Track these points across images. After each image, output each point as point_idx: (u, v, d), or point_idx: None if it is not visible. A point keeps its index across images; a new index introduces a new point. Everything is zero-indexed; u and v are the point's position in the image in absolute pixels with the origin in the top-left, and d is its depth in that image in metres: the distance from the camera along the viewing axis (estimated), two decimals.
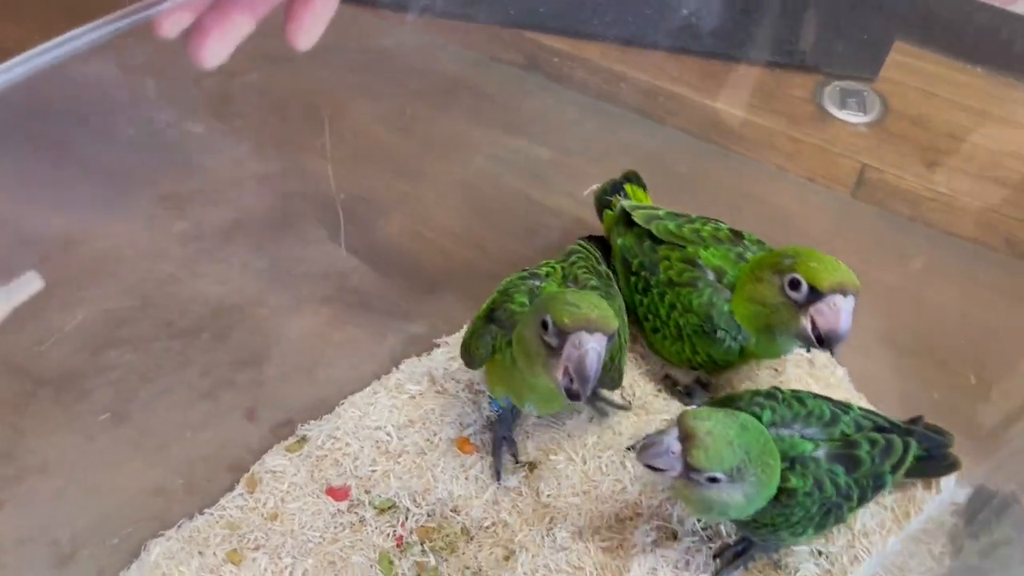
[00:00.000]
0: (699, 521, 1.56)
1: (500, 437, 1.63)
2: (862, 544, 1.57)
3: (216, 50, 0.86)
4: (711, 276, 1.55)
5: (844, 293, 1.34)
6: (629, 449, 1.65)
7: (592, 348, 1.25)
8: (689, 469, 1.22)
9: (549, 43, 2.19)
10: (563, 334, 1.26)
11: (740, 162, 2.06)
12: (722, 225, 1.63)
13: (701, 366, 1.61)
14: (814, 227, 1.99)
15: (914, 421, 1.52)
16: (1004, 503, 1.51)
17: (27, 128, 1.52)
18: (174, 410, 1.65)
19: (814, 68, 2.17)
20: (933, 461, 1.53)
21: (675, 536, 1.56)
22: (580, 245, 1.67)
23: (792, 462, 1.33)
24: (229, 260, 1.80)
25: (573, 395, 1.28)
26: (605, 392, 1.68)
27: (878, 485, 1.41)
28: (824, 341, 1.37)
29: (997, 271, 1.90)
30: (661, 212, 1.66)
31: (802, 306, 1.38)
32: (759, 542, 1.49)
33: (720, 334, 1.53)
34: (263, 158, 1.87)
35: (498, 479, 1.61)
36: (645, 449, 1.25)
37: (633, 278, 1.65)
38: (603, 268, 1.62)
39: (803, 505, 1.33)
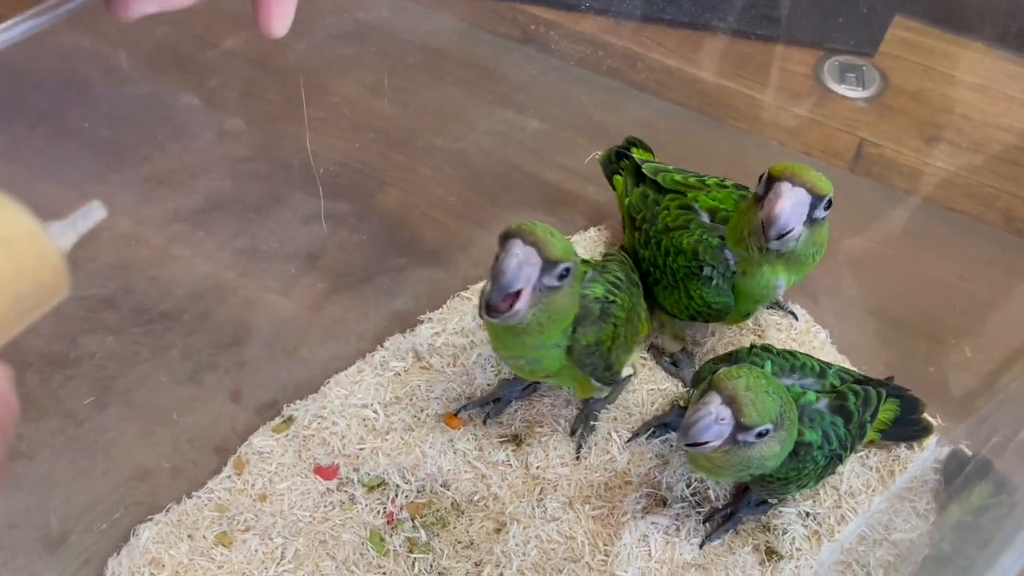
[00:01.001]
0: (688, 487, 1.58)
1: (505, 397, 1.65)
2: (848, 504, 1.58)
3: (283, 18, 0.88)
4: (705, 217, 1.55)
5: (792, 183, 1.34)
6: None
7: (510, 252, 1.21)
8: (740, 430, 1.22)
9: (542, 15, 2.17)
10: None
11: (737, 135, 2.04)
12: (729, 181, 1.62)
13: (699, 314, 1.58)
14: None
15: (883, 383, 1.54)
16: (981, 466, 1.54)
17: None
18: (158, 393, 1.63)
19: (813, 43, 2.15)
20: (907, 425, 1.59)
21: (665, 503, 1.57)
22: (620, 255, 1.63)
23: (802, 412, 1.35)
24: (209, 240, 1.78)
25: (488, 311, 1.23)
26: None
27: (861, 435, 1.45)
28: (765, 227, 1.36)
29: (991, 245, 1.89)
30: (670, 167, 1.67)
31: (761, 199, 1.39)
32: (767, 499, 1.51)
33: (707, 270, 1.51)
34: (245, 134, 1.85)
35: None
36: (690, 428, 1.23)
37: (636, 233, 1.65)
38: (634, 276, 1.59)
39: (815, 459, 1.36)
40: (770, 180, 1.36)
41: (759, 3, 2.16)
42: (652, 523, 1.54)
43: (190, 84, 1.79)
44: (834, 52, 2.14)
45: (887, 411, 1.54)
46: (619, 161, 1.76)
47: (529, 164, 2.00)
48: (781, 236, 1.35)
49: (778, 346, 1.49)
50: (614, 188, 1.78)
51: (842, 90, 2.08)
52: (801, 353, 1.47)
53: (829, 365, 1.46)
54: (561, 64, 2.14)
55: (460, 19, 2.13)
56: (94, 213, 0.64)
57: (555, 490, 1.58)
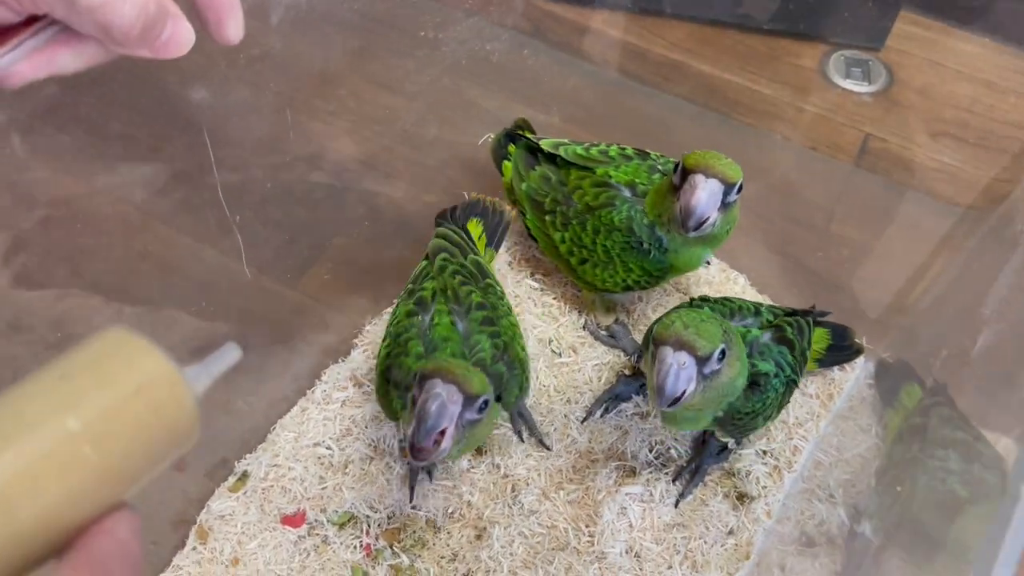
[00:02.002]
0: (651, 451, 1.63)
1: (415, 467, 1.60)
2: (799, 434, 1.66)
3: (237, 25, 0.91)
4: (626, 192, 1.58)
5: (706, 175, 1.40)
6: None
7: (431, 393, 1.22)
8: (702, 364, 1.25)
9: (554, 10, 2.20)
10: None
11: (742, 130, 2.06)
12: (627, 147, 1.66)
13: (637, 284, 1.61)
14: (816, 195, 2.00)
15: (808, 312, 1.61)
16: (903, 368, 1.66)
17: None
18: None
19: (819, 37, 2.16)
20: (840, 351, 1.71)
21: (634, 472, 1.60)
22: (443, 239, 1.62)
23: (751, 348, 1.42)
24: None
25: (415, 453, 1.23)
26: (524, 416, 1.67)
27: (804, 361, 1.52)
28: (683, 218, 1.42)
29: (992, 240, 1.84)
30: (566, 140, 1.69)
31: (677, 189, 1.44)
32: (734, 439, 1.56)
33: (645, 245, 1.54)
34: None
35: (411, 499, 1.57)
36: (662, 388, 1.24)
37: (548, 217, 1.66)
38: (470, 259, 1.59)
39: (774, 387, 1.41)
40: (684, 172, 1.42)
41: None
42: (627, 494, 1.56)
43: None
44: (840, 47, 2.14)
45: (820, 340, 1.64)
46: (507, 146, 1.77)
47: None
48: (699, 226, 1.41)
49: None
50: (502, 174, 1.78)
51: (848, 85, 2.08)
52: (735, 298, 1.53)
53: (760, 304, 1.53)
54: (569, 57, 2.17)
55: (468, 12, 2.14)
56: (229, 355, 0.67)
57: (527, 484, 1.58)
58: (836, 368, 1.73)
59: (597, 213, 1.57)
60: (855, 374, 1.73)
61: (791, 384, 1.46)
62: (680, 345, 1.23)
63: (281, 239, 1.84)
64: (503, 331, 1.47)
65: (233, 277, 1.73)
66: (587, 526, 1.53)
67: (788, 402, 1.51)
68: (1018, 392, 1.34)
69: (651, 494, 1.56)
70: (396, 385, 1.41)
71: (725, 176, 1.39)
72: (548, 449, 1.61)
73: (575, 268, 1.65)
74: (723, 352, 1.25)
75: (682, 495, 1.56)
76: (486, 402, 1.26)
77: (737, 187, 1.41)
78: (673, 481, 1.58)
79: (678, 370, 1.22)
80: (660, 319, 1.35)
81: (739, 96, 2.07)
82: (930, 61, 2.10)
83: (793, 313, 1.54)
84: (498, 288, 1.56)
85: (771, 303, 1.76)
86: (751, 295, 1.84)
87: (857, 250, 1.87)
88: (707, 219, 1.40)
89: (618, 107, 2.12)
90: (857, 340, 1.72)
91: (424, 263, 1.58)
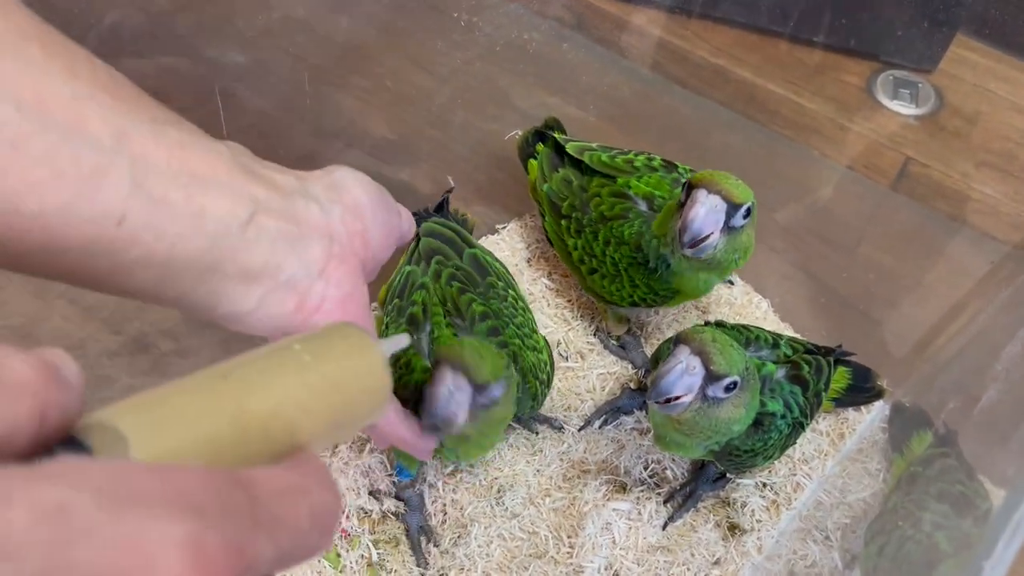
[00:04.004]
0: (646, 469, 1.59)
1: (416, 527, 1.54)
2: (803, 471, 1.61)
3: None
4: (642, 206, 1.53)
5: (708, 190, 1.33)
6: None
7: (441, 384, 1.21)
8: (711, 380, 1.21)
9: (598, 4, 2.16)
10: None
11: (778, 142, 2.00)
12: (655, 156, 1.60)
13: (643, 301, 1.57)
14: (848, 215, 1.94)
15: (831, 350, 1.54)
16: (918, 415, 1.59)
17: None
18: None
19: (869, 54, 2.09)
20: (860, 392, 1.63)
21: (624, 488, 1.57)
22: (433, 238, 1.55)
23: (763, 384, 1.36)
24: None
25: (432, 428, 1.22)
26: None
27: (818, 403, 1.46)
28: (680, 233, 1.35)
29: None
30: (594, 144, 1.64)
31: (682, 206, 1.38)
32: (729, 473, 1.52)
33: (651, 263, 1.49)
34: None
35: (424, 566, 1.51)
36: (661, 380, 1.22)
37: (564, 221, 1.62)
38: (466, 256, 1.53)
39: (778, 428, 1.36)
40: (689, 188, 1.35)
41: (818, 9, 2.10)
42: (614, 510, 1.53)
43: None
44: (890, 66, 2.08)
45: (840, 380, 1.57)
46: (536, 144, 1.74)
47: None
48: (696, 243, 1.34)
49: (722, 318, 1.55)
50: (527, 172, 1.74)
51: (894, 106, 2.02)
52: (753, 326, 1.48)
53: (780, 336, 1.48)
54: (611, 54, 2.13)
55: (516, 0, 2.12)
56: (401, 342, 0.75)
57: (513, 487, 1.56)
58: (851, 408, 1.68)
59: (609, 224, 1.54)
60: (870, 416, 1.68)
61: (798, 427, 1.41)
62: (699, 352, 1.20)
63: None
64: (509, 340, 1.42)
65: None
66: (569, 537, 1.50)
67: (793, 443, 1.47)
68: (1007, 454, 1.33)
69: (639, 513, 1.53)
70: (407, 403, 1.33)
71: (729, 195, 1.32)
72: (559, 430, 1.61)
73: (585, 277, 1.62)
74: (734, 384, 1.21)
75: (671, 518, 1.53)
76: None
77: (744, 210, 1.33)
78: (664, 503, 1.55)
79: (684, 372, 1.20)
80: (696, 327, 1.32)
81: (780, 107, 2.02)
82: (982, 89, 2.03)
83: (814, 350, 1.49)
84: (500, 284, 1.50)
85: (792, 334, 1.73)
86: (772, 322, 1.79)
87: (885, 275, 1.82)
88: (705, 237, 1.32)
89: (654, 107, 2.07)
90: (879, 383, 1.65)
91: (409, 268, 1.49)
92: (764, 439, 1.35)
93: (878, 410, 1.68)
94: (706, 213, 1.31)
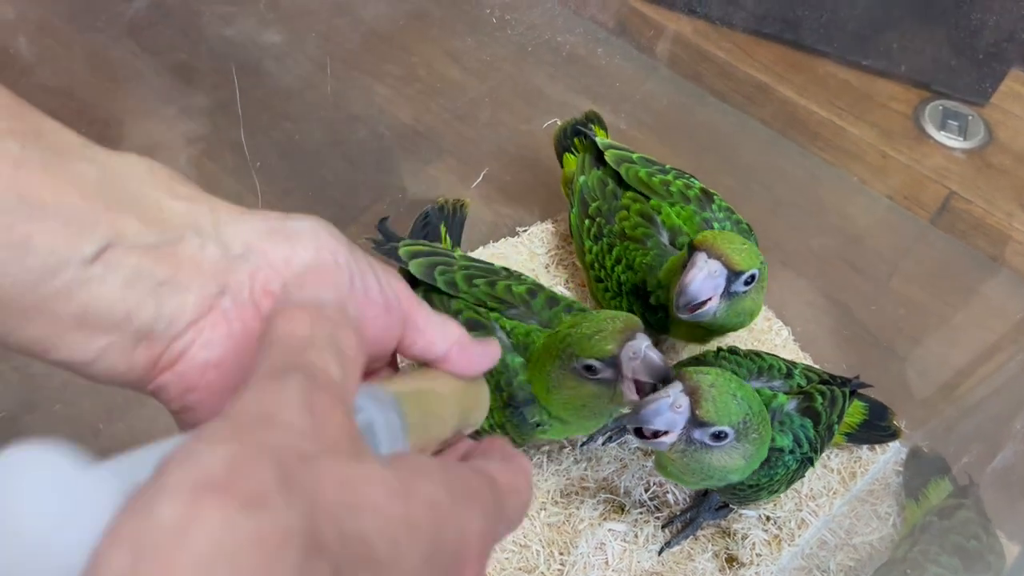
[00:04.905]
0: (647, 491, 1.54)
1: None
2: (809, 507, 1.56)
3: None
4: (664, 237, 1.49)
5: (708, 254, 1.29)
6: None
7: (645, 348, 1.18)
8: (696, 425, 1.16)
9: (643, 9, 2.11)
10: (615, 360, 1.19)
11: (817, 165, 1.95)
12: (695, 182, 1.55)
13: None
14: (882, 246, 1.89)
15: (847, 381, 1.48)
16: (937, 462, 1.55)
17: None
18: None
19: (919, 82, 2.04)
20: (874, 430, 1.58)
21: (623, 509, 1.52)
22: (422, 257, 1.43)
23: (772, 417, 1.30)
24: None
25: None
26: None
27: (830, 437, 1.40)
28: (675, 296, 1.31)
29: None
30: (634, 156, 1.59)
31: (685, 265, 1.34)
32: (732, 504, 1.48)
33: (652, 300, 1.46)
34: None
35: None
36: (642, 409, 1.16)
37: (587, 221, 1.58)
38: (458, 257, 1.45)
39: (786, 464, 1.31)
40: (691, 249, 1.31)
41: (870, 32, 2.06)
42: (610, 530, 1.50)
43: None
44: (940, 96, 2.03)
45: (855, 415, 1.53)
46: (574, 138, 1.68)
47: None
48: (693, 309, 1.30)
49: (739, 344, 1.48)
50: (562, 166, 1.70)
51: (941, 137, 1.97)
52: (767, 354, 1.42)
53: (794, 364, 1.42)
54: (651, 61, 2.09)
55: (562, 2, 2.08)
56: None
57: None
58: (866, 446, 1.62)
59: (626, 244, 1.49)
60: (885, 456, 1.62)
61: (806, 462, 1.35)
62: (691, 392, 1.15)
63: (315, 194, 1.79)
64: (571, 302, 1.37)
65: None
66: (561, 553, 1.47)
67: (801, 478, 1.41)
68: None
69: (636, 535, 1.49)
70: (516, 405, 1.33)
71: (730, 261, 1.27)
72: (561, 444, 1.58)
73: (590, 282, 1.59)
74: (723, 434, 1.15)
75: (668, 544, 1.48)
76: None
77: (747, 277, 1.29)
78: (663, 527, 1.50)
79: (667, 407, 1.14)
80: (698, 359, 1.33)
81: (821, 129, 1.96)
82: None
83: (830, 381, 1.42)
84: (506, 270, 1.44)
85: (809, 363, 1.67)
86: (791, 351, 1.74)
87: (916, 312, 1.76)
88: (702, 302, 1.29)
89: (690, 119, 2.02)
90: (896, 422, 1.60)
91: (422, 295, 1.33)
92: (770, 474, 1.30)
93: (893, 451, 1.62)
94: (704, 278, 1.27)
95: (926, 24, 2.06)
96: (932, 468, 1.53)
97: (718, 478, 1.22)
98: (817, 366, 1.65)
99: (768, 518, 1.53)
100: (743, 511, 1.52)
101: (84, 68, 1.78)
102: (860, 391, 1.52)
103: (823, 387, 1.38)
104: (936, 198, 1.88)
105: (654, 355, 1.16)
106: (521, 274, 1.42)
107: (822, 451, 1.39)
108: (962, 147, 1.94)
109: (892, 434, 1.60)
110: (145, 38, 1.81)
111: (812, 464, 1.38)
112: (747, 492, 1.33)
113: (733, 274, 1.27)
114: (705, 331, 1.43)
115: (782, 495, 1.53)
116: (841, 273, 1.82)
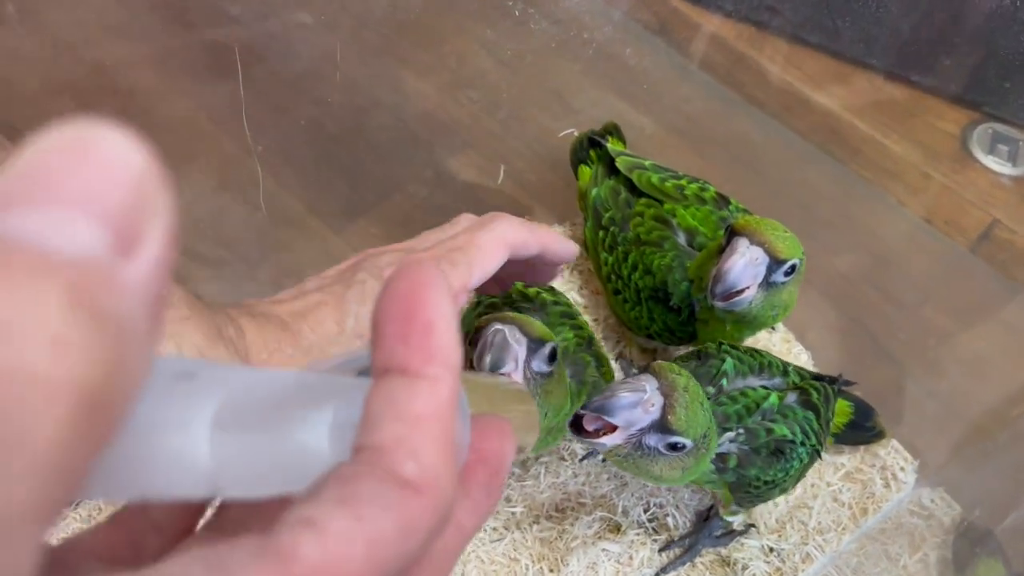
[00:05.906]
0: (646, 512, 1.51)
1: None
2: (816, 541, 1.51)
3: None
4: (682, 238, 1.46)
5: (751, 240, 1.25)
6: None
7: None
8: (658, 431, 1.10)
9: (684, 11, 2.05)
10: None
11: (852, 181, 1.88)
12: (710, 186, 1.52)
13: (659, 336, 1.50)
14: (916, 271, 1.83)
15: (834, 379, 1.46)
16: (983, 536, 1.48)
17: None
18: None
19: (970, 103, 1.95)
20: (860, 430, 1.55)
21: (619, 528, 1.49)
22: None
23: (763, 414, 1.29)
24: None
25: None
26: None
27: (827, 432, 1.39)
28: (712, 283, 1.27)
29: None
30: (647, 163, 1.56)
31: (722, 251, 1.30)
32: (743, 507, 1.41)
33: (673, 303, 1.43)
34: None
35: None
36: (609, 399, 1.08)
37: (601, 232, 1.55)
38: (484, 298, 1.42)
39: (800, 456, 1.29)
40: (731, 233, 1.27)
41: (921, 46, 1.98)
42: (603, 550, 1.46)
43: None
44: (991, 118, 1.94)
45: (841, 414, 1.50)
46: (590, 149, 1.65)
47: None
48: (729, 296, 1.26)
49: None
50: (577, 178, 1.67)
51: (988, 161, 1.88)
52: (766, 352, 1.39)
53: (788, 364, 1.39)
54: (687, 63, 2.03)
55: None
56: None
57: (500, 508, 1.50)
58: (880, 483, 1.56)
59: (642, 249, 1.46)
60: (899, 495, 1.56)
61: (815, 455, 1.33)
62: (665, 393, 1.09)
63: (332, 182, 1.77)
64: (584, 326, 1.36)
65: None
66: (551, 570, 1.44)
67: (806, 475, 1.39)
68: None
69: (630, 557, 1.45)
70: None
71: (773, 248, 1.24)
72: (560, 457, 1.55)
73: (610, 295, 1.56)
74: (682, 445, 1.10)
75: (664, 570, 1.45)
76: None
77: (788, 267, 1.25)
78: (660, 551, 1.47)
79: (638, 402, 1.08)
80: (700, 353, 1.30)
81: (861, 146, 1.89)
82: None
83: (819, 378, 1.40)
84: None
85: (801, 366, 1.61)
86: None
87: (946, 343, 1.70)
88: (739, 290, 1.25)
89: (724, 126, 1.96)
90: (879, 423, 1.56)
91: None
92: (786, 468, 1.27)
93: (909, 492, 1.57)
94: (744, 265, 1.23)
95: (979, 43, 1.97)
96: (982, 544, 1.47)
97: (649, 478, 1.19)
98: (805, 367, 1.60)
99: (772, 549, 1.49)
100: (746, 540, 1.48)
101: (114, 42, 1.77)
102: (844, 391, 1.50)
103: (816, 383, 1.35)
104: (978, 225, 1.81)
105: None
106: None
107: (823, 447, 1.37)
108: (1010, 173, 1.86)
109: (877, 434, 1.57)
110: (171, 13, 1.79)
111: (819, 456, 1.35)
112: (762, 489, 1.29)
113: (775, 262, 1.24)
114: (733, 328, 1.38)
115: (789, 528, 1.51)
116: (870, 298, 1.76)
